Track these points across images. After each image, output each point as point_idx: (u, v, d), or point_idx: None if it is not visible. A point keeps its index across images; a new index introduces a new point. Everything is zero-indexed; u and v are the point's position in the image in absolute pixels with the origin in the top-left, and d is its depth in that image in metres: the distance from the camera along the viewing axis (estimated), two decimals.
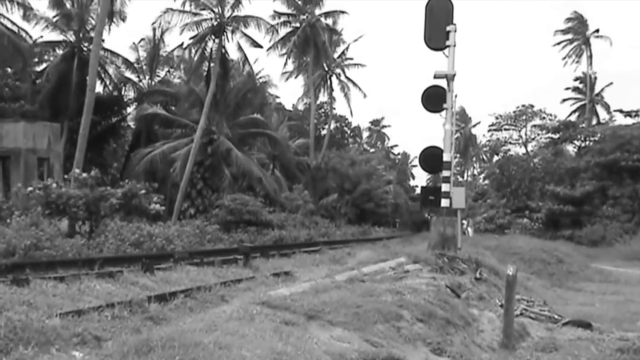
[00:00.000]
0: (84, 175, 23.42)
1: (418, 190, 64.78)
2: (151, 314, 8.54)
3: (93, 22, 38.62)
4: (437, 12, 15.33)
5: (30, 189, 22.80)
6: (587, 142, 50.34)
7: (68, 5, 39.52)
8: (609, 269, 27.40)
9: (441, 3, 15.43)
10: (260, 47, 42.47)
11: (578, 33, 61.19)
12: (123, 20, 39.05)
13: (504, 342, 9.25)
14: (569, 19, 61.42)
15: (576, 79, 64.27)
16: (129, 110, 46.77)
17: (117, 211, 23.41)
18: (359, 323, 7.17)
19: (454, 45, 15.29)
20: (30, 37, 39.04)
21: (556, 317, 11.58)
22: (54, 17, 39.36)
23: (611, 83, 64.89)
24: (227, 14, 38.55)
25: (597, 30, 60.32)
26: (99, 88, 39.48)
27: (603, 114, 64.21)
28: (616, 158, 42.03)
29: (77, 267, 13.06)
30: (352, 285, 9.29)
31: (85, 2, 39.73)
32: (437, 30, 15.26)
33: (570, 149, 53.03)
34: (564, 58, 62.33)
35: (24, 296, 8.97)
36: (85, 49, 39.79)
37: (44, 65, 42.19)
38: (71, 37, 40.06)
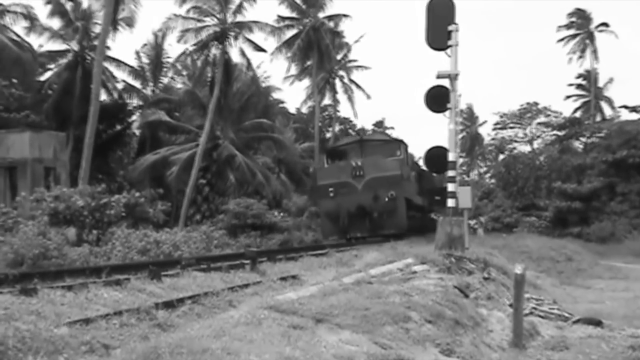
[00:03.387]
0: (89, 188, 23.64)
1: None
2: (159, 320, 8.52)
3: (96, 31, 38.75)
4: (438, 12, 15.27)
5: (35, 195, 22.97)
6: (593, 139, 50.20)
7: (71, 16, 39.67)
8: (619, 266, 27.31)
9: (442, 2, 15.38)
10: (264, 51, 42.74)
11: (581, 28, 60.77)
12: (129, 26, 38.91)
13: (514, 342, 9.20)
14: (571, 14, 61.03)
15: (579, 76, 64.05)
16: (133, 117, 46.90)
17: (124, 219, 23.49)
18: (367, 325, 7.14)
19: (457, 45, 15.22)
20: (32, 48, 39.22)
21: (566, 315, 11.53)
22: (59, 29, 39.53)
23: (612, 79, 64.23)
24: (229, 19, 38.68)
25: (606, 25, 59.51)
26: (103, 96, 39.63)
27: (608, 110, 64.07)
28: (624, 155, 41.89)
29: (85, 276, 13.06)
30: (359, 287, 9.26)
31: (88, 11, 39.88)
32: (439, 30, 15.20)
33: (577, 145, 52.91)
34: (569, 54, 62.01)
35: (32, 306, 8.96)
36: (88, 57, 39.92)
37: (49, 74, 42.33)
38: (74, 46, 40.19)
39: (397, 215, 27.38)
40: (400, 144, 30.94)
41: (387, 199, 26.97)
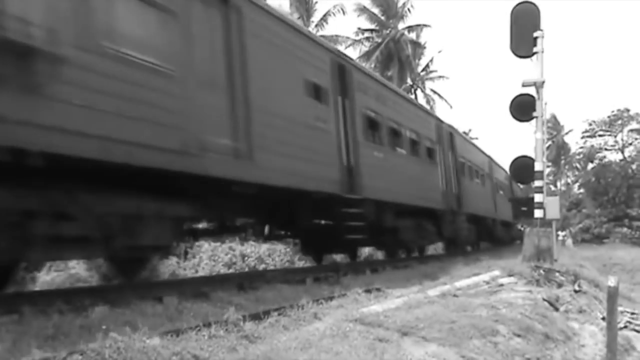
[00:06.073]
0: None
1: None
2: (246, 332, 8.63)
3: None
4: (522, 19, 14.98)
5: None
6: None
7: None
8: None
9: (527, 9, 15.08)
10: None
11: None
12: None
13: (608, 357, 8.86)
14: None
15: None
16: None
17: (211, 233, 23.99)
18: (454, 339, 7.04)
19: (542, 52, 14.89)
20: None
21: None
22: None
23: None
24: None
25: None
26: None
27: None
28: None
29: (174, 288, 13.44)
30: (445, 300, 9.14)
31: None
32: (524, 37, 14.91)
33: None
34: None
35: (126, 317, 9.28)
36: None
37: None
38: None
39: None
40: None
41: None
